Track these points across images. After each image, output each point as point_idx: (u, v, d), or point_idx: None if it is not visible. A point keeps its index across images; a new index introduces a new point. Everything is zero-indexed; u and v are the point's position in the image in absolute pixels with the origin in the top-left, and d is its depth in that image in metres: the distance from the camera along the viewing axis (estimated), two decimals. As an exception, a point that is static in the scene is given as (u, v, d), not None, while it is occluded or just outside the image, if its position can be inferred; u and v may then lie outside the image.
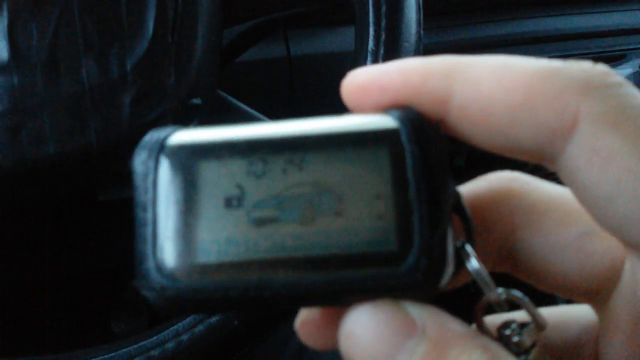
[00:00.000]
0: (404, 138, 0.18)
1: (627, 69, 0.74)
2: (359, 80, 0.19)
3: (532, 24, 0.77)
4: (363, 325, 0.17)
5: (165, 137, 0.18)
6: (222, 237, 0.17)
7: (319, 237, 0.17)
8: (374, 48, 0.45)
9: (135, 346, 0.40)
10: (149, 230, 0.18)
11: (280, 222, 0.17)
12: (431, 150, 0.17)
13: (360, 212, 0.17)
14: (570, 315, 0.22)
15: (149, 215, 0.18)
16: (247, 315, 0.38)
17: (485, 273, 0.19)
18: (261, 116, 0.49)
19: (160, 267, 0.17)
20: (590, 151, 0.16)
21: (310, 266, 0.17)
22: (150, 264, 0.18)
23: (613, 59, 0.74)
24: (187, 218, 0.18)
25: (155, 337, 0.40)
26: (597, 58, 0.74)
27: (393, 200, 0.17)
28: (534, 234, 0.20)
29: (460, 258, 0.19)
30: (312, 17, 0.71)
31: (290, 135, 0.18)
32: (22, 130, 0.41)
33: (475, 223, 0.19)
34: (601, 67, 0.17)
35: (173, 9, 0.43)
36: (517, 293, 0.19)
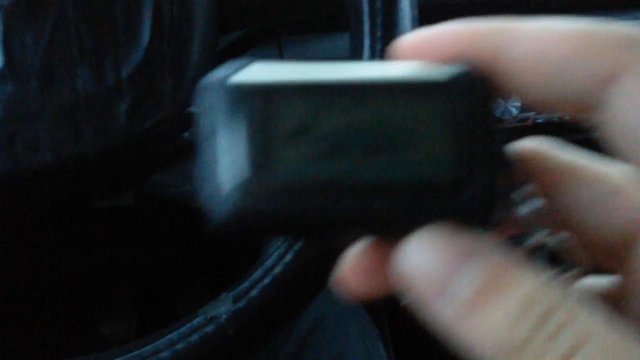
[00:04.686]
0: (459, 86, 0.20)
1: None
2: (413, 39, 0.21)
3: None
4: (421, 248, 0.18)
5: (236, 71, 0.20)
6: (289, 165, 0.19)
7: (381, 167, 0.19)
8: (369, 58, 0.45)
9: (129, 355, 0.40)
10: (211, 156, 0.19)
11: (343, 154, 0.19)
12: (481, 98, 0.20)
13: (419, 147, 0.19)
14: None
15: (217, 144, 0.19)
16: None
17: (541, 209, 0.21)
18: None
19: (236, 189, 0.19)
20: (635, 93, 0.18)
21: (373, 193, 0.19)
22: (224, 186, 0.19)
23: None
24: (255, 148, 0.19)
25: (150, 347, 0.39)
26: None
27: (449, 139, 0.19)
28: (563, 192, 0.22)
29: (511, 201, 0.21)
30: (307, 25, 0.71)
31: (355, 78, 0.20)
32: (17, 138, 0.40)
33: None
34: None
35: (169, 16, 0.43)
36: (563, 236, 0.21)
